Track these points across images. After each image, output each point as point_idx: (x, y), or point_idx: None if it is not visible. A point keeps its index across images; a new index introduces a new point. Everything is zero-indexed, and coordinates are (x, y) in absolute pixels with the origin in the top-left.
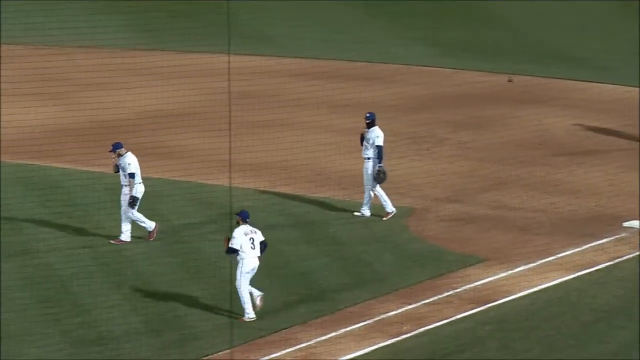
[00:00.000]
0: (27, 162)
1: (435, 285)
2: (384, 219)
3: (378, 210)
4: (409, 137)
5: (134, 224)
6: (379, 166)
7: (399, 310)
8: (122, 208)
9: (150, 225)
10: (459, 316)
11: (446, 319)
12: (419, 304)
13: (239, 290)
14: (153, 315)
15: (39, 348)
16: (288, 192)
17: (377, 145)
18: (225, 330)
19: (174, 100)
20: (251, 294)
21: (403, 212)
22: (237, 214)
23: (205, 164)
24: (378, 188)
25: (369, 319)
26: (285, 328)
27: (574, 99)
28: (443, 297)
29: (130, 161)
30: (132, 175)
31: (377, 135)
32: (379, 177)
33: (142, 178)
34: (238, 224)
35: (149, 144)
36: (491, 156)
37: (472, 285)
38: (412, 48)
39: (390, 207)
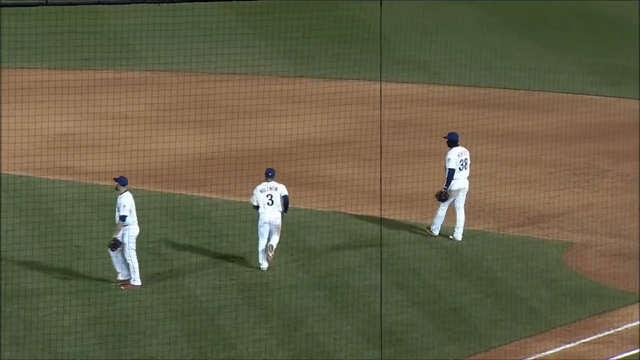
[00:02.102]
0: (176, 192)
1: (595, 324)
2: (428, 231)
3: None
4: (568, 169)
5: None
6: (443, 188)
7: (557, 349)
8: (125, 251)
9: (136, 278)
10: (619, 356)
11: (606, 358)
12: (577, 342)
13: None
14: (300, 351)
15: None
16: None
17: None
18: None
19: (325, 129)
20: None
21: (561, 247)
22: (266, 171)
23: (356, 195)
24: (452, 207)
25: (524, 358)
26: None
27: None
28: (603, 336)
29: (125, 202)
30: (122, 218)
31: (448, 157)
32: (439, 197)
33: (291, 208)
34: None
35: (299, 174)
36: None
37: (633, 324)
38: (572, 75)
39: (435, 229)
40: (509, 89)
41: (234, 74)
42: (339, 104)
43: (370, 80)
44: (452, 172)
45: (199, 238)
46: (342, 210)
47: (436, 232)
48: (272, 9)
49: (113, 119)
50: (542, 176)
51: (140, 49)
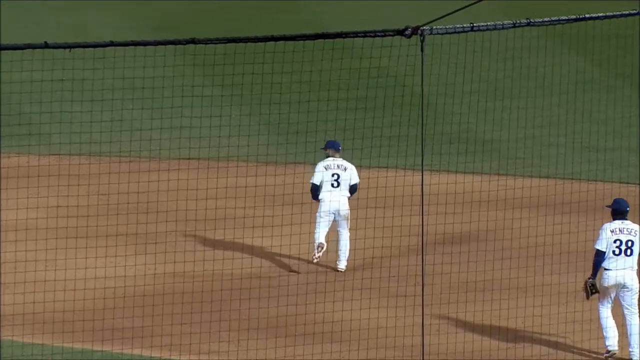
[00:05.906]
0: (96, 349)
1: None
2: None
3: None
4: None
5: None
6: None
7: None
8: None
9: None
10: None
11: None
12: None
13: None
14: None
15: None
16: None
17: None
18: None
19: (335, 248)
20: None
21: None
22: (326, 143)
23: (383, 351)
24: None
25: None
26: None
27: None
28: None
29: None
30: None
31: (598, 233)
32: (585, 292)
33: None
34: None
35: (294, 317)
36: None
37: None
38: None
39: (611, 345)
40: (627, 183)
41: (189, 159)
42: (357, 207)
43: (404, 168)
44: (598, 255)
45: None
46: None
47: (612, 347)
48: (251, 56)
49: None
50: None
51: (40, 121)
